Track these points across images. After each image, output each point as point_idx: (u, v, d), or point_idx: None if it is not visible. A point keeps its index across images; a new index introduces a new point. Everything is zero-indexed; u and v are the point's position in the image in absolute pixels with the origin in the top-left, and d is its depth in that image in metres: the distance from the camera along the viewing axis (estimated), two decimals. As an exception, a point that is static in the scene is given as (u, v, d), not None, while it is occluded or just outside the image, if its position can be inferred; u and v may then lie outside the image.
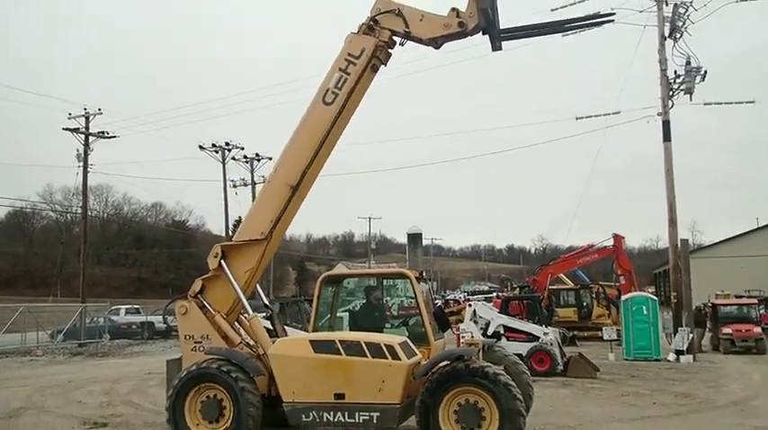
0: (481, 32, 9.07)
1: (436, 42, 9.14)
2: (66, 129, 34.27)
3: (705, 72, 23.71)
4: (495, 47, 9.26)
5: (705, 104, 25.23)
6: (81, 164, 34.44)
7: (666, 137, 23.50)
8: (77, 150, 34.53)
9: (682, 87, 23.90)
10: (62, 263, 67.92)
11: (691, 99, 24.10)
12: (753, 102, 26.60)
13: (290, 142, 9.32)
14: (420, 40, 9.19)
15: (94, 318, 31.08)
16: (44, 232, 78.49)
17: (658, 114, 23.91)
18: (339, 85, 9.13)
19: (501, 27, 9.16)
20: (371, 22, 9.24)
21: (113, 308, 36.80)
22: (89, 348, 27.95)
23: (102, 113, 34.76)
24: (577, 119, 27.93)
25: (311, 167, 9.20)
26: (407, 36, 9.20)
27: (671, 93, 23.92)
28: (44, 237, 76.72)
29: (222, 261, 9.11)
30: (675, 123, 23.71)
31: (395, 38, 9.34)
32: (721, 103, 26.02)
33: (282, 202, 9.11)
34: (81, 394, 14.65)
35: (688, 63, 23.61)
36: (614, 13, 9.75)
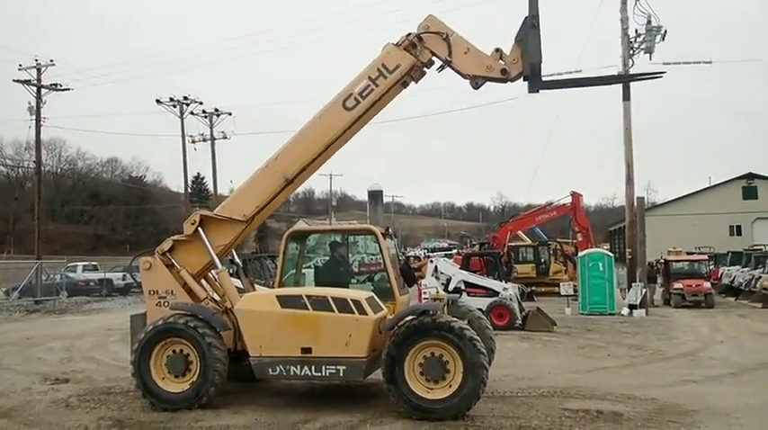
0: (522, 78, 8.71)
1: (476, 82, 8.71)
2: (18, 80, 33.12)
3: (665, 32, 24.00)
4: (533, 91, 8.83)
5: (664, 64, 25.55)
6: (33, 117, 33.50)
7: (626, 96, 23.82)
8: (29, 103, 33.61)
9: (642, 47, 24.15)
10: (15, 219, 66.19)
11: (650, 59, 24.41)
12: (710, 62, 27.10)
13: (299, 136, 9.00)
14: (459, 72, 8.73)
15: (51, 275, 30.54)
16: (-6, 187, 76.11)
17: (618, 73, 24.15)
18: (364, 94, 8.71)
19: (545, 78, 8.75)
20: (415, 39, 8.72)
21: (70, 265, 36.20)
22: (46, 305, 27.53)
23: (54, 65, 33.76)
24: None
25: (311, 165, 9.02)
26: (447, 64, 8.75)
27: (631, 52, 24.16)
28: (-6, 193, 74.44)
29: (200, 228, 8.99)
30: (637, 83, 23.95)
31: (434, 59, 8.88)
32: (679, 63, 26.40)
33: (273, 192, 8.97)
34: (40, 351, 14.49)
35: (649, 22, 23.83)
36: (665, 72, 9.25)
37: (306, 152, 8.90)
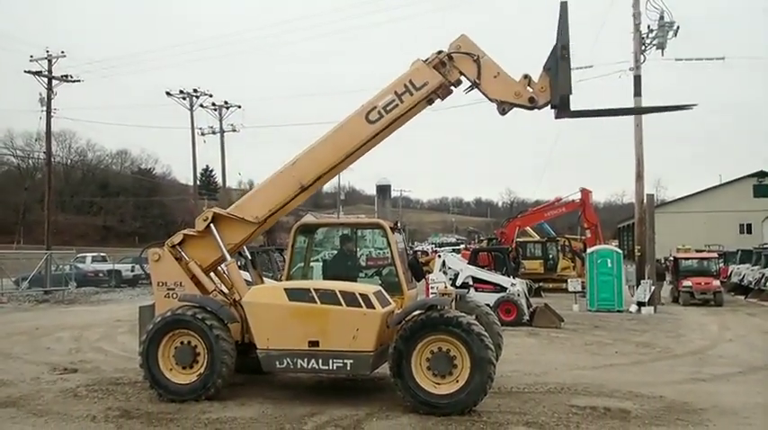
0: (549, 106, 8.62)
1: (502, 108, 8.61)
2: (29, 72, 33.24)
3: (678, 27, 23.77)
4: (560, 117, 8.77)
5: (676, 60, 25.41)
6: (44, 108, 33.59)
7: (637, 92, 23.62)
8: (40, 94, 33.69)
9: (654, 42, 23.96)
10: (25, 210, 66.56)
11: (662, 54, 24.21)
12: (723, 58, 26.86)
13: (318, 145, 8.95)
14: (486, 96, 8.62)
15: (60, 266, 30.69)
16: (5, 178, 76.44)
17: (630, 69, 23.99)
18: (388, 108, 8.61)
19: (573, 108, 8.60)
20: (445, 58, 8.60)
21: (79, 255, 36.36)
22: (55, 296, 27.68)
23: (65, 56, 33.82)
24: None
25: (328, 173, 9.02)
26: (476, 86, 8.61)
27: (643, 48, 23.97)
28: (5, 184, 74.74)
29: (212, 225, 8.99)
30: (648, 79, 23.85)
31: (463, 79, 8.75)
32: (691, 59, 26.26)
33: (288, 197, 8.96)
34: (49, 341, 14.57)
35: (661, 18, 23.62)
36: (696, 104, 9.08)
37: (324, 160, 8.86)
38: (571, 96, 8.48)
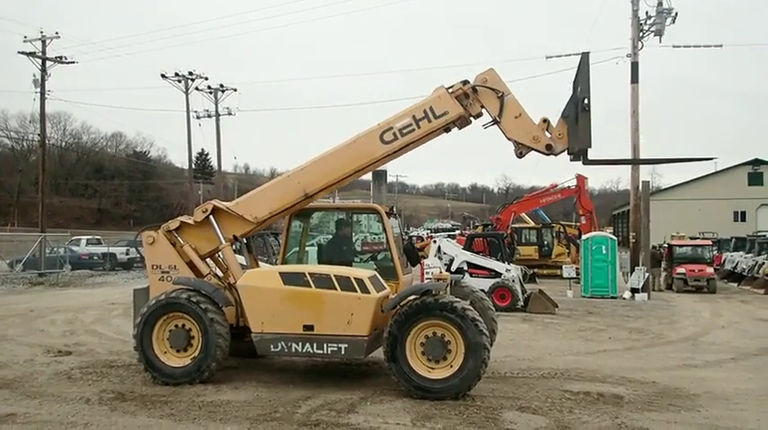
0: (567, 152, 8.55)
1: (519, 151, 8.53)
2: (22, 53, 32.96)
3: (676, 14, 23.72)
4: (575, 161, 8.69)
5: (674, 47, 25.35)
6: (38, 90, 33.30)
7: (634, 78, 23.61)
8: (34, 75, 33.37)
9: (652, 29, 23.90)
10: (19, 192, 66.32)
11: (660, 41, 24.17)
12: (720, 46, 26.84)
13: (329, 156, 8.85)
14: (504, 134, 8.49)
15: (54, 249, 30.62)
16: (-1, 160, 76.17)
17: (627, 56, 23.94)
18: (404, 131, 8.48)
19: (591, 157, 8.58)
20: (470, 90, 8.46)
21: (74, 238, 36.30)
22: (49, 278, 27.63)
23: (59, 37, 33.48)
24: (547, 58, 27.92)
25: (334, 185, 8.99)
26: (495, 122, 8.50)
27: (641, 34, 23.91)
28: (-1, 165, 74.51)
29: (211, 216, 8.96)
30: (645, 66, 23.82)
31: (484, 112, 8.59)
32: (690, 46, 26.19)
33: (290, 202, 8.93)
34: (43, 323, 14.56)
35: (660, 4, 23.56)
36: (716, 157, 9.14)
37: (332, 172, 8.78)
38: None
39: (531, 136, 8.41)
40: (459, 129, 8.83)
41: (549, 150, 8.42)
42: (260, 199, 9.08)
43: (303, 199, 8.91)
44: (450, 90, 8.53)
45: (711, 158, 9.01)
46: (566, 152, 8.54)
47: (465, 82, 8.55)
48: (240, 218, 8.93)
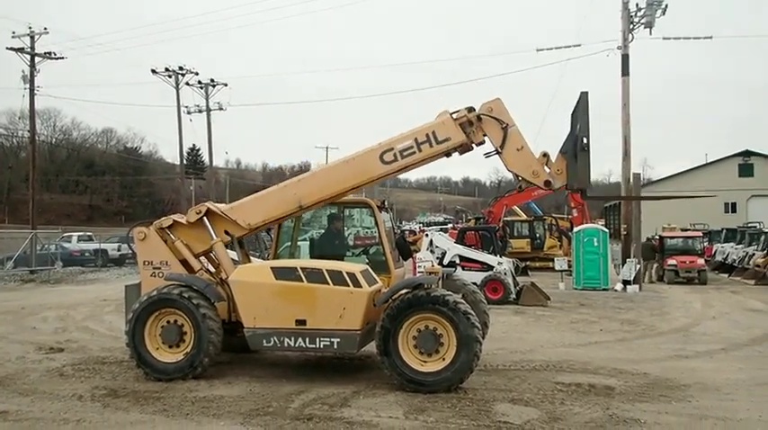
0: (565, 187, 8.59)
1: (519, 185, 8.63)
2: (11, 48, 32.72)
3: (666, 6, 23.77)
4: (573, 193, 8.84)
5: (664, 39, 25.40)
6: (27, 86, 33.08)
7: (625, 71, 23.67)
8: (23, 71, 33.16)
9: (642, 21, 23.94)
10: (9, 189, 65.99)
11: (650, 33, 24.22)
12: (710, 38, 26.86)
13: (327, 170, 8.93)
14: (505, 165, 8.51)
15: (46, 245, 30.49)
16: (-12, 156, 75.71)
17: (618, 48, 23.98)
18: (405, 153, 8.45)
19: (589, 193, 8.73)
20: (474, 118, 8.41)
21: (65, 235, 36.14)
22: (41, 275, 27.51)
23: (48, 33, 33.28)
24: (538, 50, 27.98)
25: (329, 199, 8.99)
26: (497, 152, 8.48)
27: (631, 26, 23.95)
28: (-12, 162, 74.06)
29: (205, 218, 8.95)
30: (636, 59, 23.89)
31: (486, 140, 8.55)
32: (679, 38, 26.22)
33: (284, 213, 8.94)
34: (35, 320, 14.50)
35: (650, -4, 23.62)
36: (715, 195, 9.08)
37: (329, 187, 8.77)
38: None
39: (530, 170, 8.41)
40: (461, 154, 8.82)
41: (548, 186, 8.45)
42: (255, 206, 9.06)
43: (297, 210, 8.92)
44: (455, 116, 8.48)
45: (712, 196, 8.93)
46: (565, 188, 8.60)
47: (470, 109, 8.50)
48: (233, 223, 8.93)
